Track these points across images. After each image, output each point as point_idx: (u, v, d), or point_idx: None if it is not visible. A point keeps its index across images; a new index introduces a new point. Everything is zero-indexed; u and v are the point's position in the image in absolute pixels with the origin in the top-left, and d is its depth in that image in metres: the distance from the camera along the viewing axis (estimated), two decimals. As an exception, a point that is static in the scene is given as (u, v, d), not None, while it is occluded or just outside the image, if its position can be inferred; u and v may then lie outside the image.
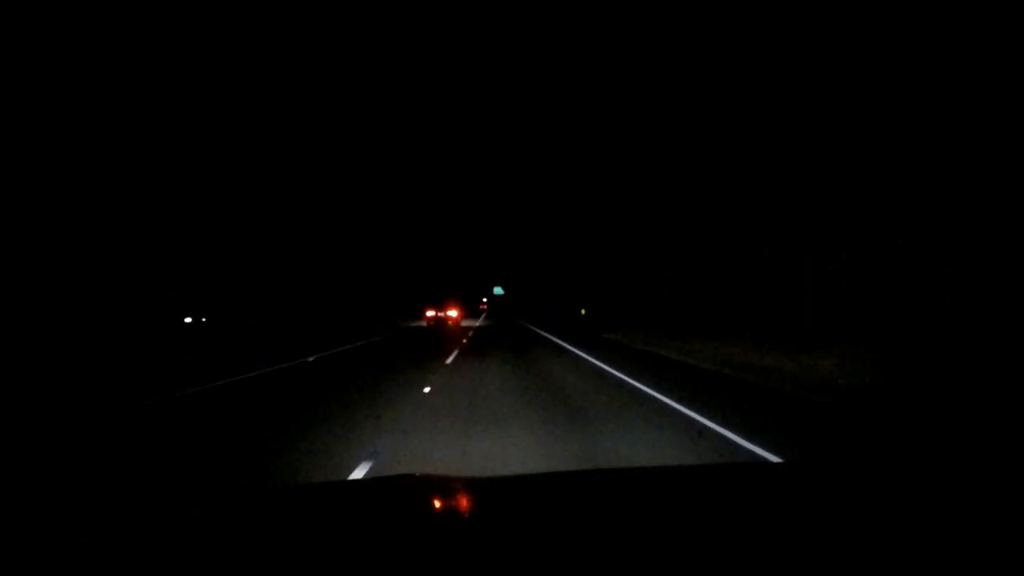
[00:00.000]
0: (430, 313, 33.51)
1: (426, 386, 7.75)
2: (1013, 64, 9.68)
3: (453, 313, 34.38)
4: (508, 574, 0.79)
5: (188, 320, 17.29)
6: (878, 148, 12.60)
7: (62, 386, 8.22)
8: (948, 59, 10.86)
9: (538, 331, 25.12)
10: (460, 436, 4.79)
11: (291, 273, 24.91)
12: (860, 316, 12.26)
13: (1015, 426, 5.04)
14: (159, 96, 16.22)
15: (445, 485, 1.46)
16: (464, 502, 1.27)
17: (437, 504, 1.24)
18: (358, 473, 3.73)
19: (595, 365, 10.64)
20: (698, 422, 5.32)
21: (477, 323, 35.82)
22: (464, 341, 17.65)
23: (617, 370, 9.67)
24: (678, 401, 6.38)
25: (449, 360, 11.64)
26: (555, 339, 18.62)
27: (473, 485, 1.49)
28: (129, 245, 14.70)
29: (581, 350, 13.84)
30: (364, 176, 39.72)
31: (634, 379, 8.43)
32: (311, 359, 12.07)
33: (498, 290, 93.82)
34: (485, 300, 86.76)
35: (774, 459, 4.01)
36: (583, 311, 16.36)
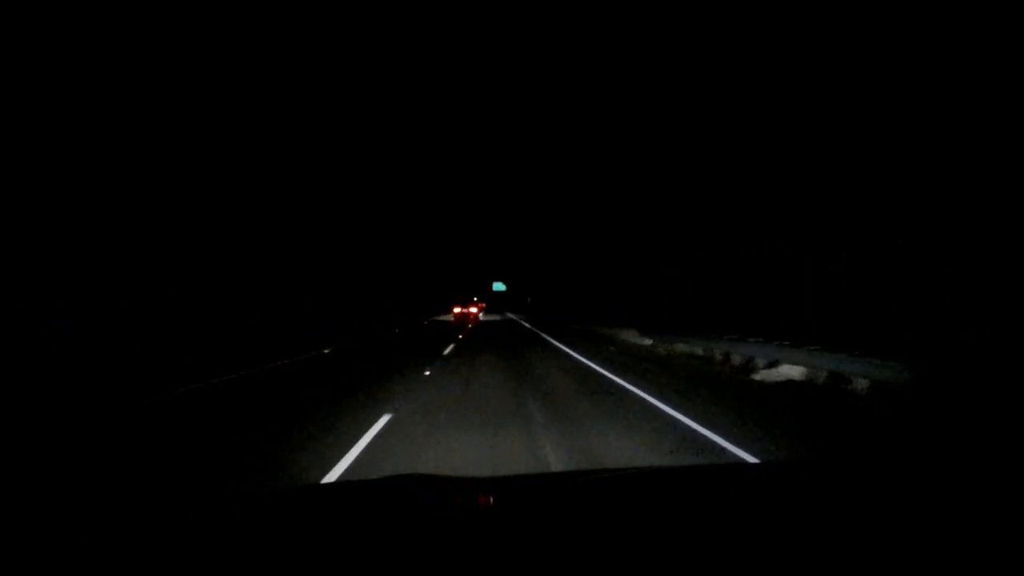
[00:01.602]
0: (457, 310, 44.92)
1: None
2: (1014, 63, 9.68)
3: (474, 310, 47.16)
4: (503, 574, 0.79)
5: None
6: (878, 148, 12.60)
7: (62, 385, 8.22)
8: (949, 58, 10.86)
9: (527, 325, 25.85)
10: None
11: (291, 273, 24.91)
12: (860, 316, 12.25)
13: (1015, 426, 5.04)
14: (159, 96, 16.22)
15: (441, 485, 1.46)
16: (460, 503, 1.27)
17: (435, 505, 1.24)
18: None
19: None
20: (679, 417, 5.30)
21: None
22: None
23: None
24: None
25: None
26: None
27: (467, 485, 1.49)
28: (129, 245, 14.70)
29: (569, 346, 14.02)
30: (364, 175, 39.71)
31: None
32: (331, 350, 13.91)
33: (499, 286, 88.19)
34: (476, 299, 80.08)
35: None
36: None
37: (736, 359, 10.55)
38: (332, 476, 3.79)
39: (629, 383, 7.95)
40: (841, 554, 0.84)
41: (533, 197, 60.33)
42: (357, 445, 4.63)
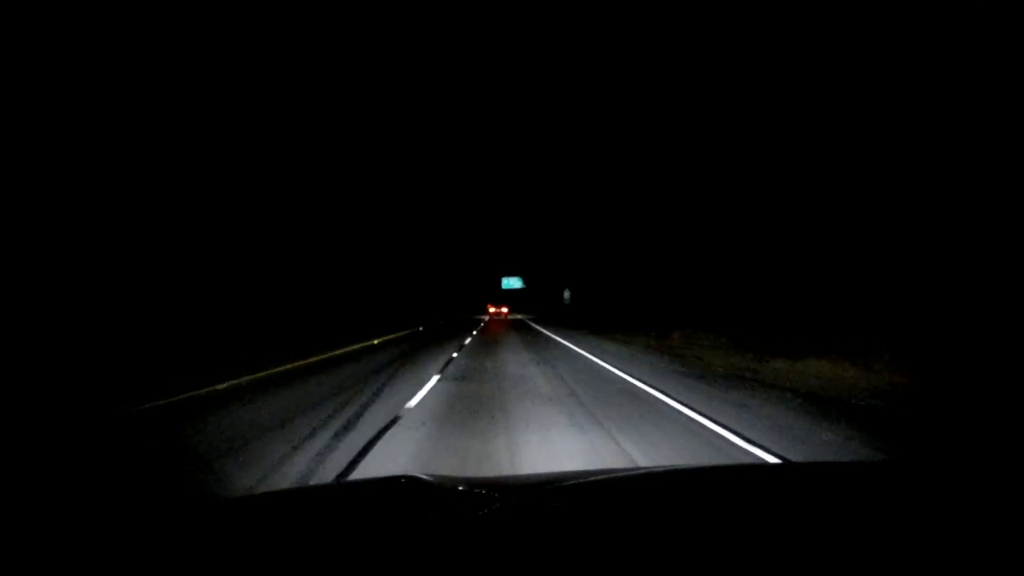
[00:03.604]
0: (492, 309, 57.04)
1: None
2: (1012, 61, 9.66)
3: (504, 310, 58.65)
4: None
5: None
6: (878, 149, 12.58)
7: (56, 389, 8.19)
8: (947, 56, 10.84)
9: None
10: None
11: (290, 276, 24.90)
12: (859, 316, 12.25)
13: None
14: (160, 95, 16.22)
15: (440, 487, 1.45)
16: (456, 505, 1.26)
17: (432, 507, 1.23)
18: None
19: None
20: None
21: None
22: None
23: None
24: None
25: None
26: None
27: (467, 486, 1.48)
28: (129, 245, 14.70)
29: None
30: (366, 174, 39.64)
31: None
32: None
33: (511, 282, 71.09)
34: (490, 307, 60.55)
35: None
36: None
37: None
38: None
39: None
40: (852, 555, 0.84)
41: (552, 176, 58.48)
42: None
